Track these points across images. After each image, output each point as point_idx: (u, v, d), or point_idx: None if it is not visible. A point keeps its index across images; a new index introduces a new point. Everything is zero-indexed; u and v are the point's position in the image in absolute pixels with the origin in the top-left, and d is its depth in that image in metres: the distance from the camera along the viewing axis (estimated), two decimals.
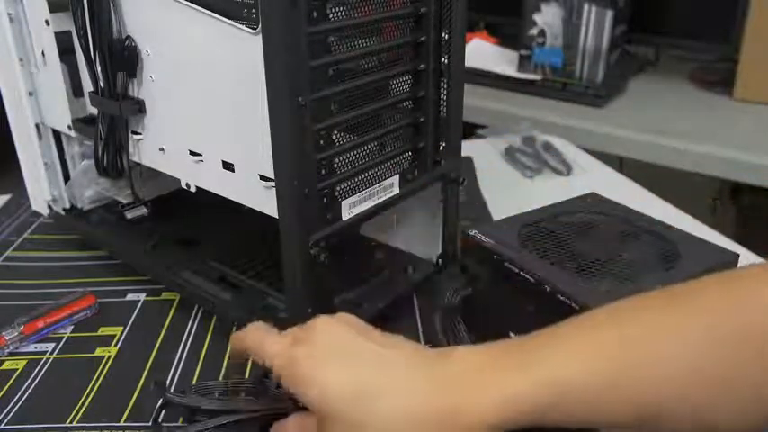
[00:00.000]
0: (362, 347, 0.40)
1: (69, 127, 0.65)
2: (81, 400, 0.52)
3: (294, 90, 0.44)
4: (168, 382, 0.54)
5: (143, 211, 0.70)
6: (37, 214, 0.77)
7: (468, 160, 0.97)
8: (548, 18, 1.31)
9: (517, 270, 0.51)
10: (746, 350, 0.35)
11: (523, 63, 1.37)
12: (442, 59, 0.55)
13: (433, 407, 0.36)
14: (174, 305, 0.65)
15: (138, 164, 0.61)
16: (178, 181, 0.57)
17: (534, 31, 1.33)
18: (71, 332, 0.61)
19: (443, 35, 0.54)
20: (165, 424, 0.50)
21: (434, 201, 0.62)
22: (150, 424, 0.50)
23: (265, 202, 0.49)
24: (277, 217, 0.48)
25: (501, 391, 0.36)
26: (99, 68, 0.56)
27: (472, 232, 0.56)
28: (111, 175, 0.62)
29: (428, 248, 0.65)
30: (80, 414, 0.51)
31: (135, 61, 0.55)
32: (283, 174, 0.46)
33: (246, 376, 0.51)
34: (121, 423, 0.50)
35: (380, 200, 0.54)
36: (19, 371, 0.56)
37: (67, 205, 0.74)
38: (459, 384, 0.37)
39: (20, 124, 0.70)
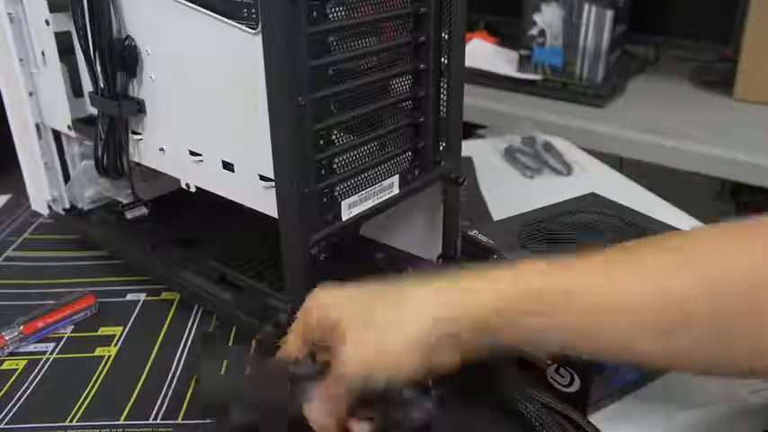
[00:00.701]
0: (377, 287, 0.44)
1: (69, 127, 0.65)
2: (81, 400, 0.52)
3: (294, 90, 0.44)
4: (168, 382, 0.54)
5: (143, 211, 0.70)
6: (37, 214, 0.77)
7: (468, 160, 0.97)
8: (548, 18, 1.31)
9: None
10: (732, 302, 0.36)
11: (523, 63, 1.37)
12: (442, 59, 0.55)
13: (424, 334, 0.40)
14: (174, 305, 0.65)
15: (138, 164, 0.61)
16: (178, 181, 0.57)
17: (534, 31, 1.33)
18: (71, 332, 0.61)
19: (443, 35, 0.54)
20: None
21: (434, 201, 0.62)
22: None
23: (265, 202, 0.49)
24: (277, 217, 0.48)
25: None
26: (99, 68, 0.56)
27: (472, 232, 0.56)
28: (111, 175, 0.62)
29: (428, 248, 0.65)
30: (80, 413, 0.51)
31: (135, 61, 0.55)
32: (283, 174, 0.46)
33: None
34: (121, 422, 0.50)
35: (380, 200, 0.54)
36: (19, 371, 0.56)
37: (67, 205, 0.74)
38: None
39: (20, 124, 0.70)
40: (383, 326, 0.40)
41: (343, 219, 0.51)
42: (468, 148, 1.02)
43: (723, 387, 0.52)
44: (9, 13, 0.63)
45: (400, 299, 0.42)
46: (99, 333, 0.61)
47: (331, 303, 0.43)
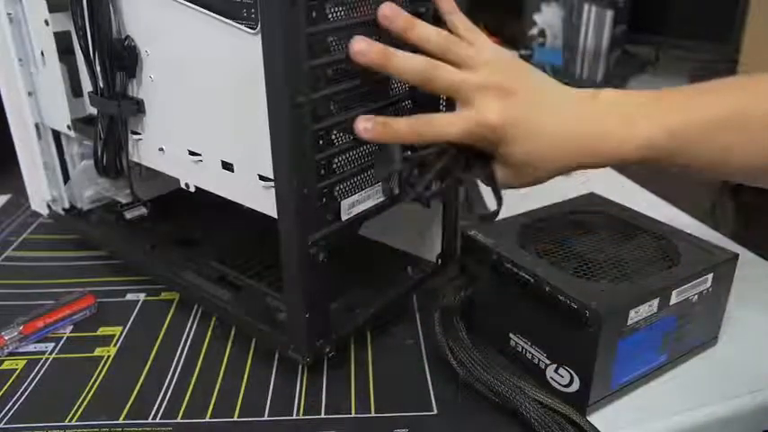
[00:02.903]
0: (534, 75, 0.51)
1: (69, 127, 0.65)
2: (80, 400, 0.52)
3: (294, 90, 0.44)
4: (168, 382, 0.54)
5: (143, 211, 0.70)
6: (37, 214, 0.77)
7: None
8: (548, 18, 1.31)
9: (517, 270, 0.51)
10: None
11: None
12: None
13: (584, 130, 0.48)
14: (174, 305, 0.65)
15: (138, 164, 0.61)
16: (178, 181, 0.57)
17: (534, 31, 1.33)
18: (71, 332, 0.61)
19: None
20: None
21: (434, 201, 0.62)
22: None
23: (265, 202, 0.49)
24: (276, 217, 0.48)
25: (643, 132, 0.47)
26: (98, 68, 0.56)
27: (472, 232, 0.56)
28: (111, 175, 0.62)
29: (428, 248, 0.65)
30: (80, 413, 0.51)
31: (134, 61, 0.55)
32: (283, 174, 0.46)
33: None
34: (120, 421, 0.50)
35: (380, 200, 0.54)
36: (19, 371, 0.56)
37: (67, 205, 0.74)
38: (606, 120, 0.48)
39: (20, 124, 0.70)
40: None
41: (343, 219, 0.51)
42: None
43: (722, 387, 0.52)
44: (9, 14, 0.63)
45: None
46: (99, 333, 0.61)
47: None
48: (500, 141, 0.47)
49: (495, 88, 0.47)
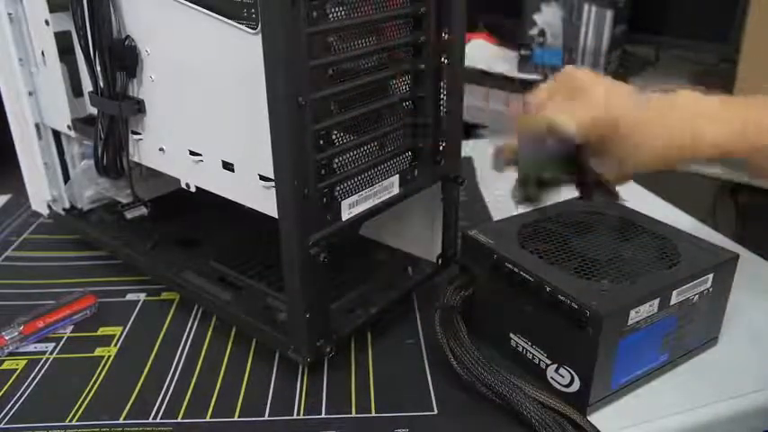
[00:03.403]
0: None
1: (69, 127, 0.65)
2: (81, 400, 0.53)
3: (294, 90, 0.44)
4: (168, 382, 0.54)
5: (143, 211, 0.70)
6: (37, 214, 0.77)
7: (468, 160, 0.97)
8: (548, 18, 1.31)
9: (517, 270, 0.51)
10: None
11: (523, 63, 1.37)
12: (442, 59, 0.55)
13: (673, 126, 0.51)
14: (174, 305, 0.65)
15: (138, 164, 0.61)
16: (178, 181, 0.57)
17: (534, 31, 1.33)
18: (71, 332, 0.61)
19: (443, 35, 0.54)
20: None
21: (434, 201, 0.62)
22: None
23: (265, 202, 0.49)
24: (277, 217, 0.48)
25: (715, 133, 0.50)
26: (99, 68, 0.56)
27: (472, 232, 0.56)
28: (111, 175, 0.62)
29: (428, 248, 0.65)
30: (80, 413, 0.51)
31: (135, 61, 0.55)
32: (283, 174, 0.46)
33: None
34: (121, 421, 0.50)
35: (380, 200, 0.54)
36: (19, 371, 0.56)
37: (67, 205, 0.74)
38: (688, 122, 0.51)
39: (20, 124, 0.70)
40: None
41: (343, 219, 0.51)
42: (469, 148, 1.01)
43: (723, 387, 0.52)
44: (9, 14, 0.63)
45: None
46: (99, 333, 0.61)
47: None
48: (615, 134, 0.52)
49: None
